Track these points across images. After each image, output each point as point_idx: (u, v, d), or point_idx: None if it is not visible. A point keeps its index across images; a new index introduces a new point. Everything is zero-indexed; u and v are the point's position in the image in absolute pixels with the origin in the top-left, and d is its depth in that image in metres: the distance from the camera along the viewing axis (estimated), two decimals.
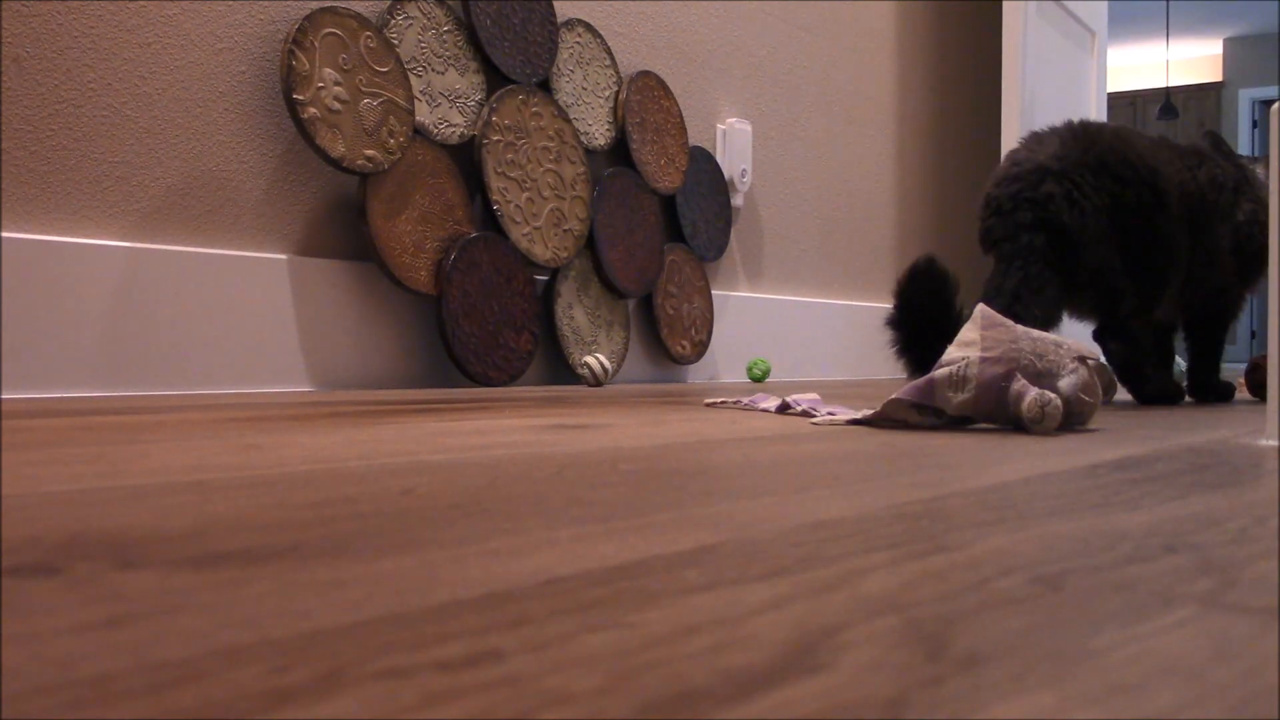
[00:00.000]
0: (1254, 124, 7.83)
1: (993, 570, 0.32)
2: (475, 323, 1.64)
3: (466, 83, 1.69)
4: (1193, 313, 1.43)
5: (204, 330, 1.40)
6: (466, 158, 1.73)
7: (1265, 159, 1.46)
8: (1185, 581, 0.31)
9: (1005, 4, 2.64)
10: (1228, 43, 7.88)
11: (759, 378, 2.09)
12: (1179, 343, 1.64)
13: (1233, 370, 3.59)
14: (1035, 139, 1.33)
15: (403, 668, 0.22)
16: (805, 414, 1.05)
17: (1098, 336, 1.35)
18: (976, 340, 0.87)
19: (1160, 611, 0.27)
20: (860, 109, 2.73)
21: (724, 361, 2.27)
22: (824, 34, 2.59)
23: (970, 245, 3.19)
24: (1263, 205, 1.41)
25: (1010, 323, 0.88)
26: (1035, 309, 1.23)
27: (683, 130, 2.09)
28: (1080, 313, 1.36)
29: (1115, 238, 1.28)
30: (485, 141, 1.69)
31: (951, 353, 0.89)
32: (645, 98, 2.01)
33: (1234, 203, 1.39)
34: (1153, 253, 1.29)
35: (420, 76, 1.62)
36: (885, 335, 1.24)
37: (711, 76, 2.26)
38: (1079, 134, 1.31)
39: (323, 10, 1.47)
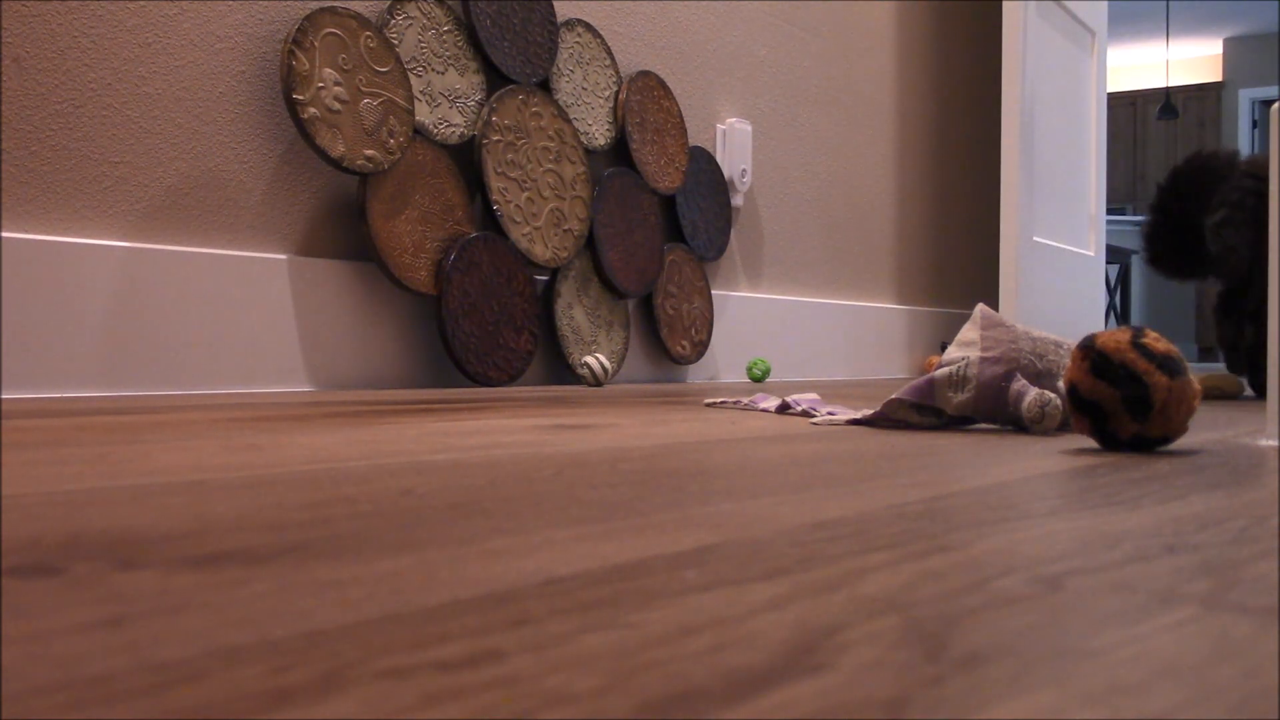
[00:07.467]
0: (1254, 124, 7.83)
1: (993, 570, 0.32)
2: (475, 322, 1.64)
3: (466, 83, 1.69)
4: None
5: (204, 330, 1.40)
6: (466, 158, 1.73)
7: None
8: (1185, 581, 0.31)
9: (1005, 4, 2.64)
10: (1228, 43, 7.88)
11: (759, 378, 2.09)
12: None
13: None
14: None
15: (403, 668, 0.22)
16: (805, 414, 1.05)
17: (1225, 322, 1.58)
18: (976, 340, 0.87)
19: (1160, 611, 0.27)
20: (860, 109, 2.73)
21: (724, 361, 2.27)
22: (824, 34, 2.59)
23: (969, 243, 3.19)
24: None
25: (1010, 323, 0.88)
26: (1237, 242, 1.48)
27: (683, 130, 2.09)
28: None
29: None
30: (485, 141, 1.69)
31: (951, 353, 0.89)
32: (645, 98, 2.01)
33: None
34: None
35: (420, 76, 1.62)
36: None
37: (711, 76, 2.26)
38: None
39: (323, 10, 1.47)
